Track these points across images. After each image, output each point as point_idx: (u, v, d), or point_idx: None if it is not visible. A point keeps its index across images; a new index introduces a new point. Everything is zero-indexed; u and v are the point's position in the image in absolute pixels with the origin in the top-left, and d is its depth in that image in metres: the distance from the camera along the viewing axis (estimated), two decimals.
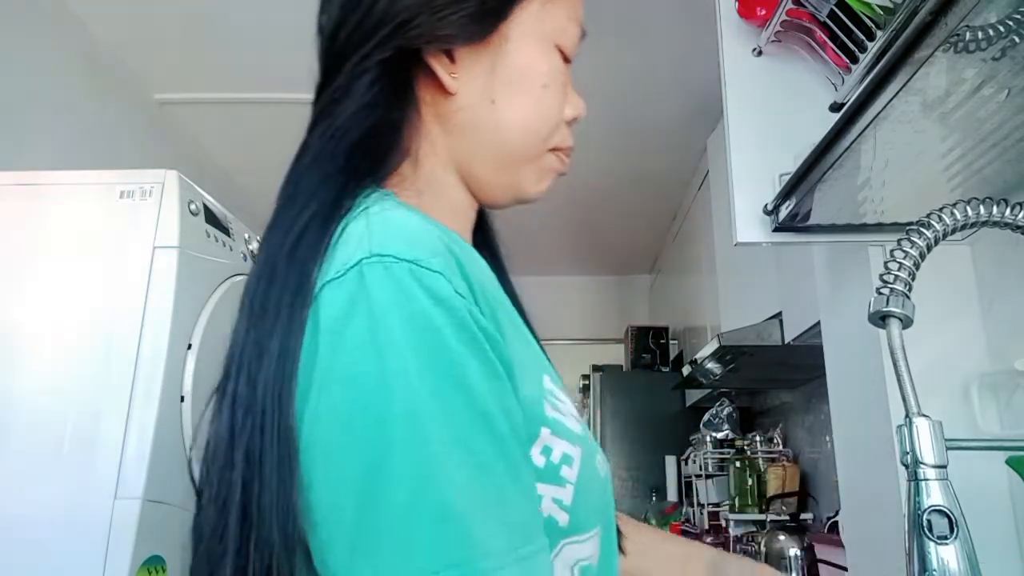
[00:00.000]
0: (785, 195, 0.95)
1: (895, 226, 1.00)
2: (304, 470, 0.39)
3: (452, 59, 0.54)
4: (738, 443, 2.74)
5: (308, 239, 0.44)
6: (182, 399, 1.45)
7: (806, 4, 0.96)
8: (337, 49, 0.54)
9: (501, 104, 0.55)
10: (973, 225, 0.65)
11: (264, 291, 0.44)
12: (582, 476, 0.47)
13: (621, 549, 0.59)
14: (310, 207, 0.46)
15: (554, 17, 0.57)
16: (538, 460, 0.45)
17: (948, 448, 0.58)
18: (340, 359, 0.39)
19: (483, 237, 0.65)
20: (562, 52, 0.58)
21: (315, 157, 0.51)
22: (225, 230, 1.69)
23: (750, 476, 2.57)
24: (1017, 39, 0.61)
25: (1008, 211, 0.64)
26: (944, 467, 0.58)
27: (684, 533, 2.89)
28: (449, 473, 0.37)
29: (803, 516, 2.26)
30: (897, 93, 0.69)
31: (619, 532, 0.58)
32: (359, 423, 0.37)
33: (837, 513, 1.77)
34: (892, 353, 0.61)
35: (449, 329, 0.39)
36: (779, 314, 2.06)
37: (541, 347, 0.58)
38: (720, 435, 2.97)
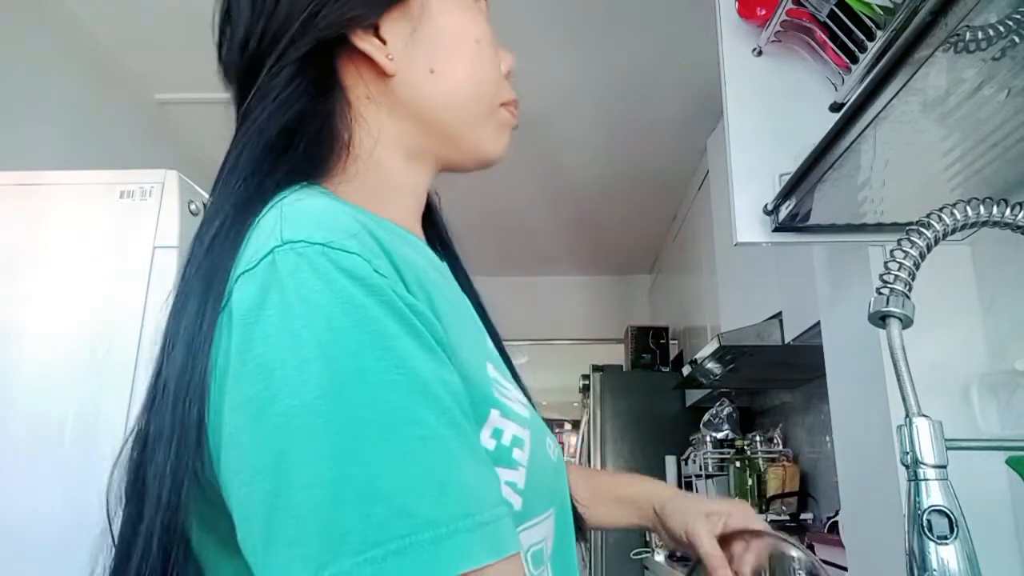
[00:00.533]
0: (785, 195, 0.95)
1: (895, 226, 1.00)
2: (223, 468, 0.37)
3: (382, 40, 0.51)
4: (738, 443, 2.74)
5: (222, 236, 0.43)
6: None
7: (806, 4, 0.96)
8: (248, 59, 0.52)
9: (440, 71, 0.53)
10: (973, 225, 0.65)
11: (182, 289, 0.43)
12: (533, 458, 0.46)
13: (581, 531, 0.58)
14: (225, 208, 0.45)
15: None
16: (488, 443, 0.43)
17: (948, 448, 0.58)
18: (254, 349, 0.37)
19: (433, 228, 0.62)
20: (480, 5, 0.57)
21: (234, 161, 0.49)
22: None
23: (750, 476, 2.57)
24: (1017, 39, 0.61)
25: (1008, 211, 0.64)
26: (944, 467, 0.58)
27: None
28: (377, 450, 0.34)
29: (803, 516, 2.26)
30: (897, 93, 0.69)
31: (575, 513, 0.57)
32: (274, 412, 0.35)
33: (837, 513, 1.77)
34: (892, 353, 0.61)
35: (372, 306, 0.37)
36: (779, 314, 2.06)
37: (499, 342, 0.57)
38: (720, 435, 2.97)
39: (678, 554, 2.77)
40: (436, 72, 0.53)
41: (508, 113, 0.58)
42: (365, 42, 0.51)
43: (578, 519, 0.58)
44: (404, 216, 0.54)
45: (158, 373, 0.42)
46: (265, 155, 0.48)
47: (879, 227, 1.01)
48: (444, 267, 0.56)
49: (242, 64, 0.53)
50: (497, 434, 0.44)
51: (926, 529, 0.56)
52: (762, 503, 2.47)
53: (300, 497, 0.34)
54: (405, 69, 0.52)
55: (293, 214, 0.41)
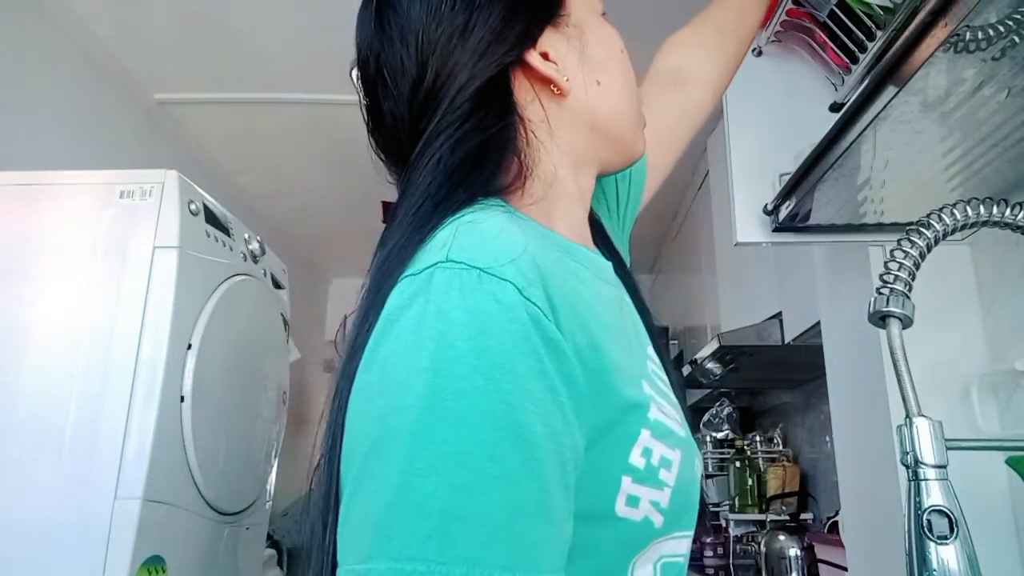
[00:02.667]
0: (785, 195, 0.95)
1: (895, 226, 1.00)
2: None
3: (546, 57, 0.54)
4: (738, 443, 2.74)
5: (397, 251, 0.45)
6: (182, 399, 1.45)
7: (805, 4, 0.96)
8: (418, 108, 0.52)
9: (606, 82, 0.57)
10: (973, 225, 0.65)
11: (362, 302, 0.46)
12: (680, 478, 0.47)
13: None
14: (403, 227, 0.47)
15: None
16: (638, 462, 0.45)
17: (948, 448, 0.58)
18: (385, 344, 0.40)
19: (593, 228, 0.63)
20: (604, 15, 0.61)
21: (416, 191, 0.49)
22: (225, 230, 1.69)
23: (750, 476, 2.57)
24: (1017, 39, 0.61)
25: (1008, 211, 0.64)
26: (944, 467, 0.58)
27: None
28: (447, 471, 0.35)
29: (803, 516, 2.26)
30: (897, 93, 0.69)
31: None
32: (377, 404, 0.38)
33: (837, 513, 1.77)
34: (892, 353, 0.61)
35: (505, 337, 0.38)
36: (779, 314, 2.06)
37: (657, 341, 0.59)
38: (720, 435, 2.97)
39: None
40: (603, 84, 0.57)
41: (644, 112, 0.62)
42: (541, 63, 0.53)
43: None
44: (573, 223, 0.56)
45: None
46: (446, 181, 0.49)
47: (879, 227, 1.01)
48: (609, 271, 0.58)
49: (410, 116, 0.53)
50: (647, 453, 0.45)
51: (926, 529, 0.56)
52: (762, 503, 2.47)
53: (370, 489, 0.37)
54: (576, 85, 0.55)
55: (465, 233, 0.43)
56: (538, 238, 0.47)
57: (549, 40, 0.54)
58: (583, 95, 0.55)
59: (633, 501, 0.44)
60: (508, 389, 0.37)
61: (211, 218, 1.63)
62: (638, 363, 0.51)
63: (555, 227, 0.52)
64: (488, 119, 0.51)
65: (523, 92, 0.54)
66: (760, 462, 2.56)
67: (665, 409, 0.49)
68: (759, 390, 3.10)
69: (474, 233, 0.43)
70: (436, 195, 0.48)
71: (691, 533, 0.50)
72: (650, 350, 0.56)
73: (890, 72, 0.68)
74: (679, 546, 0.49)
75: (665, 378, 0.55)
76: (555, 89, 0.54)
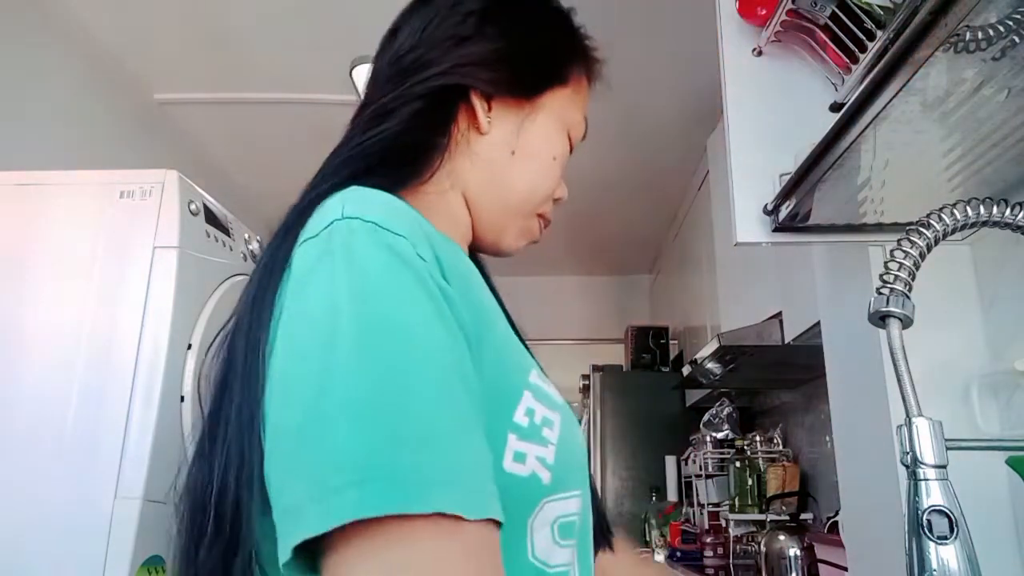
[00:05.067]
0: (785, 195, 0.95)
1: (895, 226, 1.00)
2: (267, 398, 0.43)
3: (489, 107, 0.64)
4: (738, 443, 2.74)
5: (303, 214, 0.50)
6: (182, 399, 1.45)
7: (805, 12, 0.96)
8: (396, 70, 0.63)
9: (518, 158, 0.65)
10: (973, 225, 0.65)
11: (264, 253, 0.52)
12: (563, 438, 0.51)
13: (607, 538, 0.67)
14: (317, 190, 0.54)
15: (574, 110, 0.69)
16: (522, 420, 0.48)
17: (948, 448, 0.58)
18: (304, 301, 0.44)
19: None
20: (570, 141, 0.69)
21: (345, 157, 0.60)
22: (225, 230, 1.69)
23: (750, 476, 2.57)
24: (1017, 39, 0.61)
25: (1008, 211, 0.64)
26: (944, 467, 0.58)
27: (684, 533, 2.89)
28: (390, 398, 0.38)
29: (803, 516, 2.26)
30: (897, 93, 0.69)
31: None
32: (310, 355, 0.41)
33: (837, 513, 1.77)
34: (892, 353, 0.61)
35: (408, 278, 0.43)
36: (779, 314, 2.06)
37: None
38: (720, 435, 2.97)
39: (678, 554, 2.77)
40: (515, 155, 0.65)
41: (537, 224, 0.69)
42: (479, 99, 0.63)
43: (606, 525, 0.66)
44: (456, 239, 0.63)
45: (229, 336, 0.50)
46: (367, 161, 0.59)
47: (879, 227, 1.01)
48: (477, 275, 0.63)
49: (388, 72, 0.64)
50: (530, 413, 0.49)
51: (926, 529, 0.56)
52: (762, 503, 2.47)
53: (326, 430, 0.38)
54: (496, 138, 0.64)
55: (355, 198, 0.48)
56: (423, 221, 0.51)
57: (507, 102, 0.64)
58: (495, 146, 0.64)
59: (520, 457, 0.48)
60: (424, 319, 0.42)
61: (211, 218, 1.63)
62: (519, 344, 0.56)
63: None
64: (434, 118, 0.61)
65: (461, 116, 0.63)
66: (760, 462, 2.56)
67: (547, 381, 0.54)
68: (759, 390, 3.10)
69: (365, 197, 0.48)
70: (349, 172, 0.57)
71: (579, 493, 0.53)
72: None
73: (890, 72, 0.68)
74: (570, 505, 0.51)
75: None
76: (477, 127, 0.63)
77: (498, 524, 0.40)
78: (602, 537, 0.67)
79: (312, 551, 0.37)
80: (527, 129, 0.65)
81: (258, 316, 0.47)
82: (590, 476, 0.58)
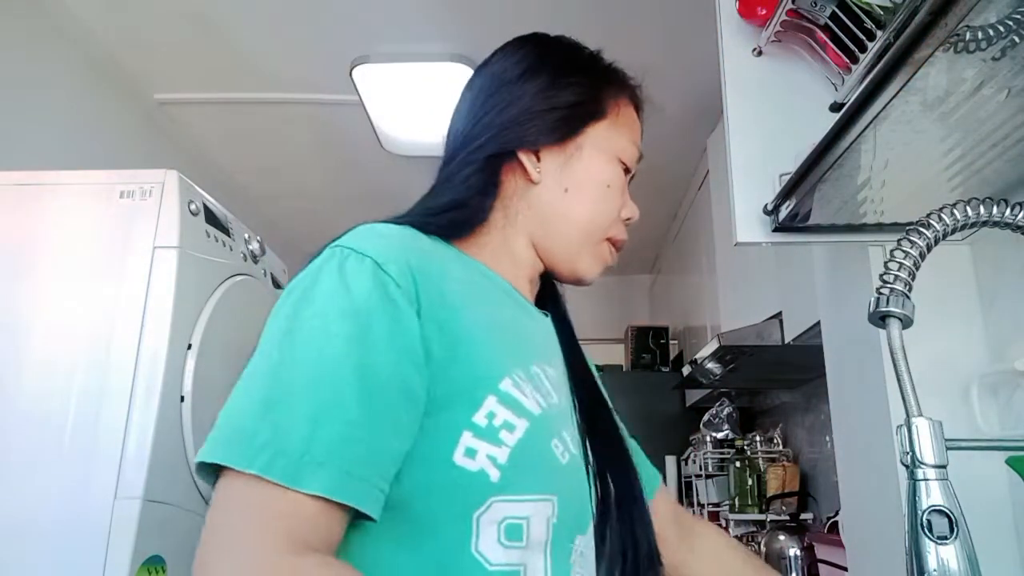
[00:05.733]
0: (785, 195, 0.95)
1: (895, 226, 0.99)
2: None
3: (538, 157, 0.73)
4: (738, 443, 2.74)
5: None
6: (182, 399, 1.45)
7: (805, 13, 0.96)
8: (453, 145, 0.75)
9: (572, 194, 0.73)
10: (973, 225, 0.65)
11: None
12: (523, 443, 0.56)
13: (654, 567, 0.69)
14: None
15: (618, 138, 0.76)
16: (481, 421, 0.55)
17: (948, 448, 0.58)
18: (282, 307, 0.57)
19: (551, 302, 0.81)
20: (624, 165, 0.76)
21: (410, 217, 0.69)
22: (225, 230, 1.69)
23: (750, 476, 2.57)
24: (1017, 39, 0.61)
25: (1008, 211, 0.64)
26: (944, 467, 0.58)
27: None
28: (296, 388, 0.50)
29: (803, 516, 2.26)
30: (897, 93, 0.69)
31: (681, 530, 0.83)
32: (263, 347, 0.54)
33: (837, 513, 1.77)
34: (892, 353, 0.61)
35: (357, 292, 0.54)
36: (779, 314, 2.06)
37: (589, 392, 0.75)
38: (720, 435, 2.97)
39: None
40: (568, 192, 0.73)
41: (608, 249, 0.76)
42: (525, 156, 0.72)
43: (655, 554, 0.69)
44: (513, 276, 0.72)
45: None
46: (422, 211, 0.69)
47: (879, 227, 1.01)
48: (532, 309, 0.74)
49: (450, 146, 0.76)
50: (490, 416, 0.56)
51: (926, 529, 0.56)
52: (762, 503, 2.47)
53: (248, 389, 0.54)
54: (547, 184, 0.73)
55: (363, 231, 0.60)
56: (436, 250, 0.64)
57: (551, 150, 0.73)
58: (548, 192, 0.73)
59: (470, 452, 0.54)
60: (358, 327, 0.52)
61: (211, 218, 1.63)
62: (516, 356, 0.62)
63: (495, 268, 0.70)
64: (477, 184, 0.71)
65: (509, 173, 0.73)
66: (760, 462, 2.56)
67: (527, 390, 0.60)
68: (759, 390, 3.10)
69: (366, 231, 0.60)
70: (410, 215, 0.69)
71: (545, 498, 0.57)
72: (534, 362, 0.65)
73: (890, 72, 0.68)
74: (523, 508, 0.55)
75: (553, 392, 0.65)
76: (528, 178, 0.73)
77: (327, 501, 0.48)
78: (638, 567, 0.67)
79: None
80: (573, 167, 0.73)
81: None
82: (639, 500, 0.67)
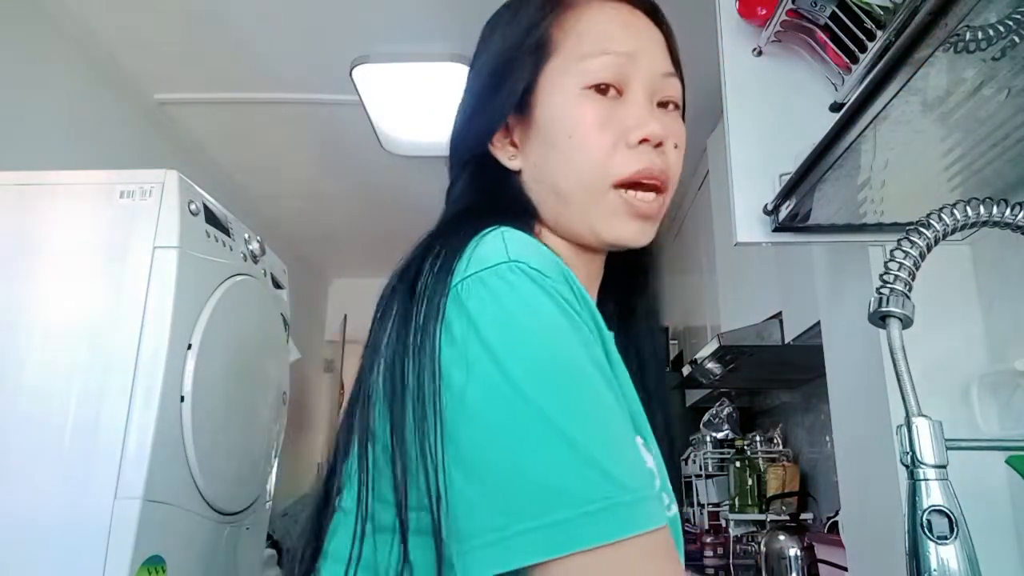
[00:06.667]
0: (785, 195, 0.95)
1: (895, 226, 1.00)
2: (452, 426, 0.45)
3: (513, 144, 0.64)
4: (738, 443, 2.74)
5: (436, 258, 0.51)
6: (182, 399, 1.45)
7: (804, 13, 0.96)
8: (451, 154, 0.68)
9: (543, 164, 0.61)
10: (973, 225, 0.65)
11: (392, 300, 0.52)
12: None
13: None
14: (438, 241, 0.54)
15: (577, 62, 0.60)
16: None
17: (948, 448, 0.58)
18: (488, 341, 0.45)
19: (615, 303, 0.71)
20: (601, 88, 0.60)
21: (441, 222, 0.61)
22: (225, 230, 1.69)
23: (750, 476, 2.57)
24: (1017, 39, 0.61)
25: (1008, 211, 0.64)
26: (944, 467, 0.58)
27: (684, 533, 2.89)
28: (589, 431, 0.43)
29: (803, 516, 2.26)
30: (897, 93, 0.69)
31: None
32: (504, 394, 0.43)
33: (837, 513, 1.77)
34: (892, 353, 0.61)
35: (574, 319, 0.47)
36: (779, 314, 2.06)
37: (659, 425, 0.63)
38: (720, 435, 2.97)
39: None
40: (540, 167, 0.62)
41: (620, 198, 0.59)
42: (497, 148, 0.64)
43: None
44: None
45: (391, 350, 0.49)
46: (464, 214, 0.60)
47: (879, 227, 1.01)
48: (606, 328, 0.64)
49: (450, 156, 0.69)
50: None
51: (926, 529, 0.56)
52: (762, 503, 2.47)
53: (530, 460, 0.42)
54: (526, 166, 0.63)
55: (515, 240, 0.50)
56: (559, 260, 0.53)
57: (515, 124, 0.63)
58: (531, 173, 0.63)
59: None
60: (594, 355, 0.47)
61: (211, 218, 1.63)
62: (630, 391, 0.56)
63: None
64: (480, 180, 0.64)
65: (496, 167, 0.64)
66: (760, 462, 2.56)
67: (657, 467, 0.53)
68: (759, 390, 3.10)
69: (522, 241, 0.50)
70: (460, 221, 0.57)
71: None
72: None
73: (890, 72, 0.68)
74: None
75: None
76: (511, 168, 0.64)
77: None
78: None
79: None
80: (535, 132, 0.62)
81: (425, 345, 0.47)
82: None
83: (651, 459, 0.52)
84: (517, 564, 0.40)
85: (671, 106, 0.64)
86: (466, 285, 0.47)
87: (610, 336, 0.58)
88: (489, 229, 0.52)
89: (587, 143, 0.59)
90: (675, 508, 0.55)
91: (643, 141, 0.59)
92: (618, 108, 0.60)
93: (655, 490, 0.45)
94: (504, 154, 0.64)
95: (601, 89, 0.59)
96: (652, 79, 0.62)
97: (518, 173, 0.63)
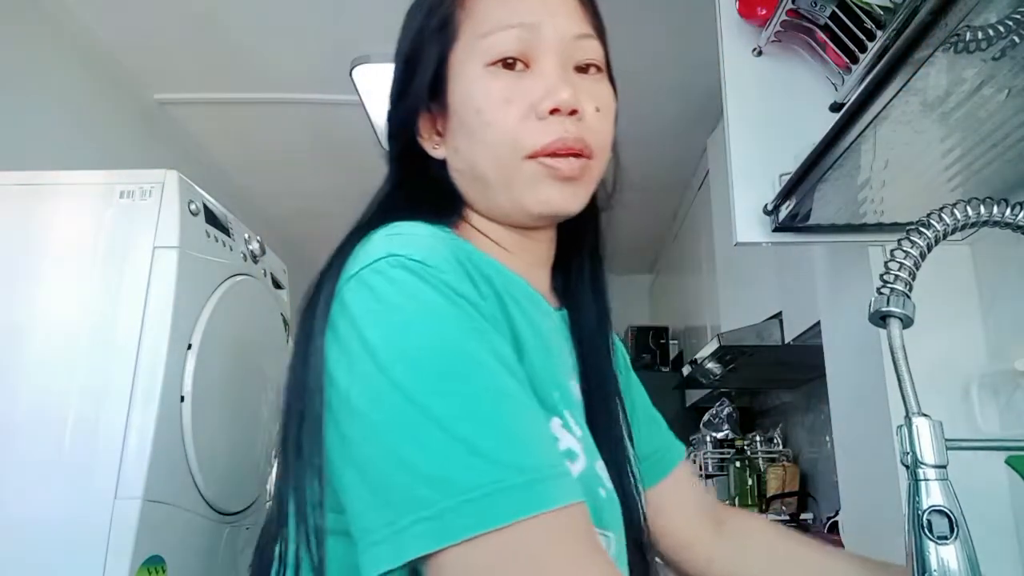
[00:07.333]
0: (785, 195, 0.95)
1: (895, 226, 1.00)
2: (342, 434, 0.45)
3: (438, 132, 0.63)
4: (738, 443, 2.74)
5: (339, 254, 0.53)
6: (182, 399, 1.45)
7: (804, 13, 0.96)
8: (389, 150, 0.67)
9: (461, 148, 0.60)
10: (973, 225, 0.65)
11: (312, 294, 0.52)
12: (582, 477, 0.50)
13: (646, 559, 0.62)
14: (347, 236, 0.56)
15: (478, 41, 0.59)
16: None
17: (948, 448, 0.58)
18: (366, 337, 0.45)
19: (566, 286, 0.70)
20: (507, 63, 0.58)
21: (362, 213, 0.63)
22: (225, 230, 1.69)
23: (750, 476, 2.57)
24: (1017, 39, 0.61)
25: (1008, 211, 0.64)
26: (944, 467, 0.58)
27: None
28: (475, 416, 0.42)
29: (803, 516, 2.26)
30: (897, 93, 0.69)
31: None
32: (385, 388, 0.43)
33: (837, 513, 1.77)
34: (892, 353, 0.61)
35: (464, 306, 0.47)
36: (779, 314, 2.06)
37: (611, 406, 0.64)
38: (720, 435, 2.97)
39: None
40: (459, 150, 0.61)
41: (538, 164, 0.57)
42: (425, 140, 0.64)
43: (644, 547, 0.61)
44: (510, 263, 0.60)
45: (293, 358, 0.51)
46: (379, 208, 0.62)
47: (879, 227, 1.01)
48: (547, 308, 0.62)
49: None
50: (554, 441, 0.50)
51: (926, 529, 0.56)
52: (762, 503, 2.47)
53: (413, 452, 0.42)
54: (450, 152, 0.62)
55: (401, 234, 0.50)
56: (469, 249, 0.54)
57: (439, 112, 0.62)
58: (452, 160, 0.62)
59: None
60: (488, 338, 0.46)
61: (211, 218, 1.63)
62: (557, 376, 0.56)
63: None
64: (405, 171, 0.64)
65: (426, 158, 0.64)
66: (760, 462, 2.56)
67: (573, 422, 0.53)
68: (759, 390, 3.10)
69: (406, 233, 0.51)
70: (374, 215, 0.60)
71: (601, 534, 0.50)
72: (574, 387, 0.60)
73: (890, 72, 0.68)
74: None
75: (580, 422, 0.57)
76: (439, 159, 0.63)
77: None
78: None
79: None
80: (449, 117, 0.61)
81: (309, 352, 0.48)
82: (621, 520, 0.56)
83: (572, 439, 0.51)
84: (407, 558, 0.39)
85: (592, 69, 0.62)
86: (349, 285, 0.48)
87: (545, 316, 0.59)
88: (386, 226, 0.52)
89: (495, 118, 0.57)
90: (604, 492, 0.53)
91: (554, 111, 0.57)
92: (526, 80, 0.58)
93: (563, 469, 0.44)
94: (429, 144, 0.63)
95: (508, 64, 0.58)
96: (563, 45, 0.59)
97: (445, 162, 0.63)
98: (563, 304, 0.68)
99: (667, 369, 3.85)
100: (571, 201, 0.59)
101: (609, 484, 0.55)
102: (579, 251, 0.71)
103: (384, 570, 0.40)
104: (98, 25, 2.25)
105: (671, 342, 3.96)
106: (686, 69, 2.44)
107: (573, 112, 0.57)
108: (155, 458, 1.35)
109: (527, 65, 0.58)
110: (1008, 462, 0.72)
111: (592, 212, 0.70)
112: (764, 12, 1.02)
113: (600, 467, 0.55)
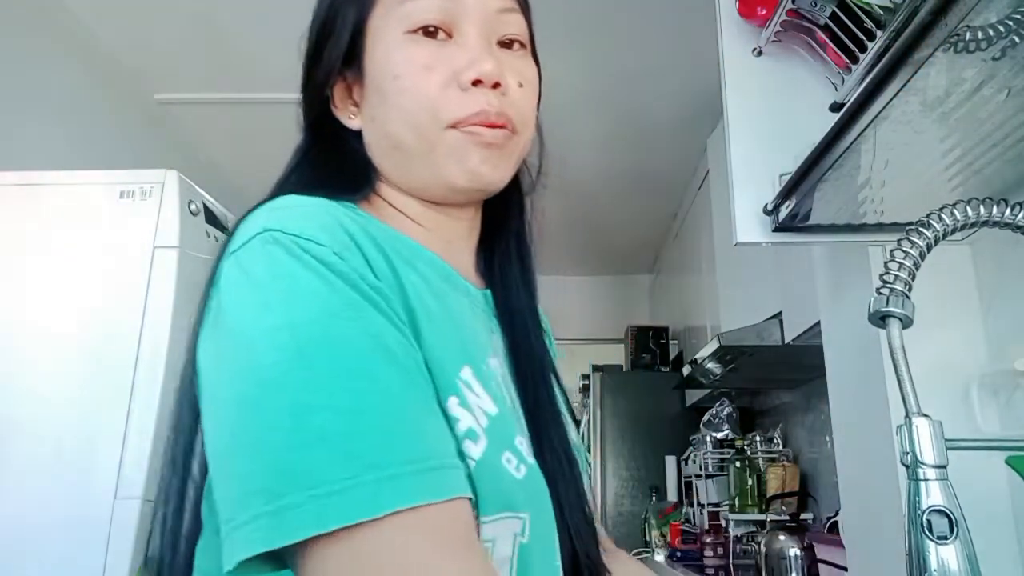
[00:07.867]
0: (785, 195, 0.95)
1: (895, 226, 1.00)
2: (205, 414, 0.44)
3: (355, 103, 0.61)
4: (738, 443, 2.74)
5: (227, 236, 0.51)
6: None
7: (804, 13, 0.96)
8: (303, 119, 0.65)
9: (378, 117, 0.58)
10: (973, 225, 0.65)
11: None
12: (484, 458, 0.46)
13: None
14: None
15: (396, 9, 0.57)
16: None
17: (948, 448, 0.58)
18: (230, 315, 0.44)
19: (488, 264, 0.65)
20: (429, 31, 0.56)
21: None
22: (225, 230, 1.69)
23: (750, 476, 2.57)
24: (1017, 39, 0.61)
25: (1008, 211, 0.64)
26: (944, 467, 0.58)
27: (684, 533, 2.89)
28: (331, 400, 0.39)
29: (803, 516, 2.26)
30: (897, 93, 0.69)
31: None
32: (243, 367, 0.41)
33: (837, 513, 1.77)
34: (892, 353, 0.61)
35: (335, 281, 0.43)
36: (779, 314, 2.06)
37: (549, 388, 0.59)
38: (720, 435, 2.97)
39: (678, 554, 2.77)
40: (375, 119, 0.58)
41: (460, 134, 0.55)
42: (339, 108, 0.61)
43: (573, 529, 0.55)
44: (425, 240, 0.57)
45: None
46: (284, 182, 0.61)
47: (879, 227, 1.01)
48: (464, 285, 0.58)
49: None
50: (452, 422, 0.46)
51: (926, 529, 0.56)
52: (762, 503, 2.47)
53: (257, 440, 0.39)
54: (365, 121, 0.60)
55: (283, 207, 0.47)
56: (364, 221, 0.51)
57: (354, 81, 0.60)
58: (367, 130, 0.60)
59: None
60: (364, 315, 0.43)
61: (211, 218, 1.63)
62: (465, 347, 0.51)
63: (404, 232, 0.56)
64: (318, 141, 0.62)
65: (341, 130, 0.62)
66: (760, 462, 2.56)
67: (478, 396, 0.49)
68: (759, 390, 3.11)
69: (286, 207, 0.48)
70: (278, 186, 0.60)
71: (506, 517, 0.46)
72: (490, 358, 0.55)
73: (890, 72, 0.68)
74: (490, 533, 0.45)
75: (507, 392, 0.54)
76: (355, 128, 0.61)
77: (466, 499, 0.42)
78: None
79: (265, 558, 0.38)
80: (366, 85, 0.58)
81: (193, 335, 0.47)
82: (587, 514, 0.54)
83: (472, 418, 0.47)
84: (242, 555, 0.37)
85: (515, 45, 0.60)
86: (225, 266, 0.46)
87: (460, 292, 0.56)
88: (272, 199, 0.50)
89: (414, 84, 0.55)
90: (524, 469, 0.49)
91: (476, 82, 0.55)
92: (448, 48, 0.56)
93: (435, 462, 0.40)
94: (344, 114, 0.61)
95: (429, 32, 0.56)
96: (485, 18, 0.57)
97: (361, 134, 0.60)
98: (488, 285, 0.64)
99: (667, 369, 3.85)
100: (493, 172, 0.57)
101: (531, 459, 0.51)
102: (504, 235, 0.66)
103: (231, 566, 0.38)
104: (98, 25, 2.25)
105: (671, 342, 3.96)
106: (686, 69, 2.44)
107: (496, 85, 0.55)
108: (155, 458, 1.35)
109: (449, 35, 0.56)
110: (1008, 462, 0.72)
111: (516, 196, 0.68)
112: (764, 12, 1.02)
113: (520, 443, 0.51)
